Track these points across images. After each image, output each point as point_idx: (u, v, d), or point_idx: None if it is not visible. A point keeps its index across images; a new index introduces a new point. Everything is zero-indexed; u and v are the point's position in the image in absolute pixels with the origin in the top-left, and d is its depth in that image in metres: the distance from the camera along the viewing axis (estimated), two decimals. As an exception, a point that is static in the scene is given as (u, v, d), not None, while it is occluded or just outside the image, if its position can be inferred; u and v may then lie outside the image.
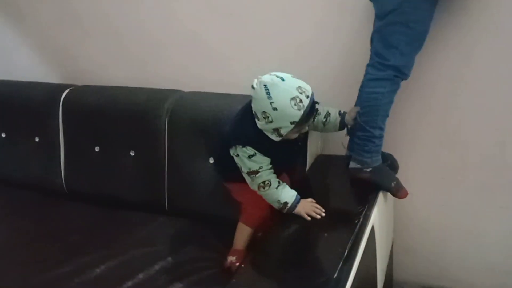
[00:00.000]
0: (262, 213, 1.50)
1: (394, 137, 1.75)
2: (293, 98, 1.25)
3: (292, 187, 1.43)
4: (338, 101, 1.56)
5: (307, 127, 1.46)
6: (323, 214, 1.35)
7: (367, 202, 1.40)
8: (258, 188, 1.39)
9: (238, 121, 1.42)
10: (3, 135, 2.20)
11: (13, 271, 1.58)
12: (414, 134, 1.77)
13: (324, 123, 1.52)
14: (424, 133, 1.76)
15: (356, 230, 1.25)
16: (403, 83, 1.49)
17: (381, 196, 1.49)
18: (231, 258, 1.53)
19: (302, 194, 1.41)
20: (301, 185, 1.50)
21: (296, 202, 1.38)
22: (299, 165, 1.64)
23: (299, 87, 1.27)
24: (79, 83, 2.15)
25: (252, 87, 1.30)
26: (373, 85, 1.44)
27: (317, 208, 1.37)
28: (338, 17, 1.71)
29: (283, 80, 1.27)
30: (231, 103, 1.76)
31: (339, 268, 1.11)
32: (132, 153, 1.90)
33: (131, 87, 2.01)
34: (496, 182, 1.72)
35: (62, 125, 2.03)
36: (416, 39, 1.42)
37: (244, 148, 1.36)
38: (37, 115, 2.10)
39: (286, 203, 1.38)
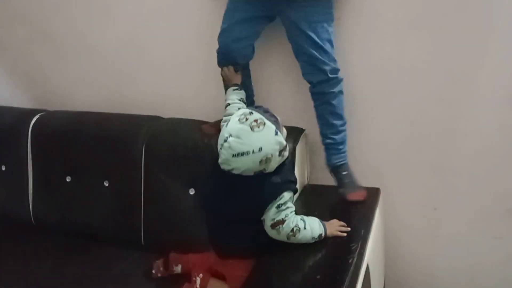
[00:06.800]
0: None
1: (383, 165, 1.73)
2: (252, 128, 1.22)
3: None
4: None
5: None
6: (349, 229, 1.34)
7: (360, 238, 1.32)
8: (288, 238, 1.28)
9: (254, 189, 1.29)
10: (-34, 163, 2.10)
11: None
12: (404, 161, 1.72)
13: None
14: (414, 159, 1.70)
15: (350, 270, 1.17)
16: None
17: (374, 230, 1.42)
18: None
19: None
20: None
21: (325, 228, 1.31)
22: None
23: (239, 120, 1.25)
24: (50, 107, 2.09)
25: (231, 171, 1.25)
26: None
27: (342, 225, 1.36)
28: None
29: (230, 136, 1.23)
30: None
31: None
32: (106, 183, 1.82)
33: (106, 113, 1.95)
34: (489, 212, 1.68)
35: (31, 153, 1.97)
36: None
37: (276, 200, 1.28)
38: (4, 142, 2.03)
39: (320, 235, 1.30)
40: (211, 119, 1.74)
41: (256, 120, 1.23)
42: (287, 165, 1.35)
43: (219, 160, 1.27)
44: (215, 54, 1.76)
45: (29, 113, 2.03)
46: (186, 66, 1.90)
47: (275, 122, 1.28)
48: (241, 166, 1.23)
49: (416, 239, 1.79)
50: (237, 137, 1.22)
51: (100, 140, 1.83)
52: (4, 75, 2.28)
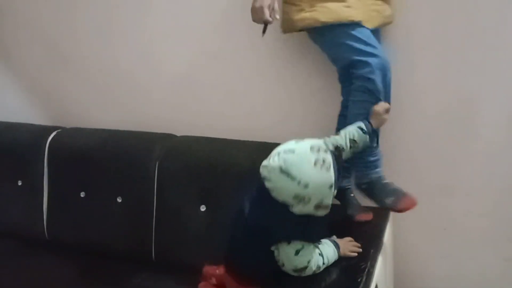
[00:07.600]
0: None
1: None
2: (316, 163, 1.11)
3: None
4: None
5: None
6: (361, 250, 1.32)
7: (369, 257, 1.31)
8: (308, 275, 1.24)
9: (274, 212, 1.17)
10: (-16, 177, 2.10)
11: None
12: (414, 181, 1.68)
13: (353, 152, 1.35)
14: (424, 179, 1.70)
15: (359, 290, 1.16)
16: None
17: (383, 249, 1.41)
18: None
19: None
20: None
21: (338, 251, 1.28)
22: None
23: (312, 147, 1.14)
24: (68, 125, 2.10)
25: (265, 179, 1.15)
26: None
27: (354, 245, 1.33)
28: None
29: (293, 152, 1.13)
30: (225, 148, 1.73)
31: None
32: (119, 200, 1.82)
33: (121, 130, 1.96)
34: (500, 233, 1.66)
35: (47, 168, 1.97)
36: None
37: (290, 245, 1.19)
38: (22, 157, 2.03)
39: (335, 261, 1.28)
40: (224, 137, 1.76)
41: (324, 160, 1.12)
42: (317, 221, 1.20)
43: (265, 161, 1.16)
44: (228, 72, 1.78)
45: (46, 130, 2.05)
46: (199, 84, 1.91)
47: (337, 178, 1.15)
48: (276, 182, 1.13)
49: (425, 259, 1.77)
50: (298, 159, 1.12)
51: (114, 157, 1.84)
52: (23, 93, 2.29)
